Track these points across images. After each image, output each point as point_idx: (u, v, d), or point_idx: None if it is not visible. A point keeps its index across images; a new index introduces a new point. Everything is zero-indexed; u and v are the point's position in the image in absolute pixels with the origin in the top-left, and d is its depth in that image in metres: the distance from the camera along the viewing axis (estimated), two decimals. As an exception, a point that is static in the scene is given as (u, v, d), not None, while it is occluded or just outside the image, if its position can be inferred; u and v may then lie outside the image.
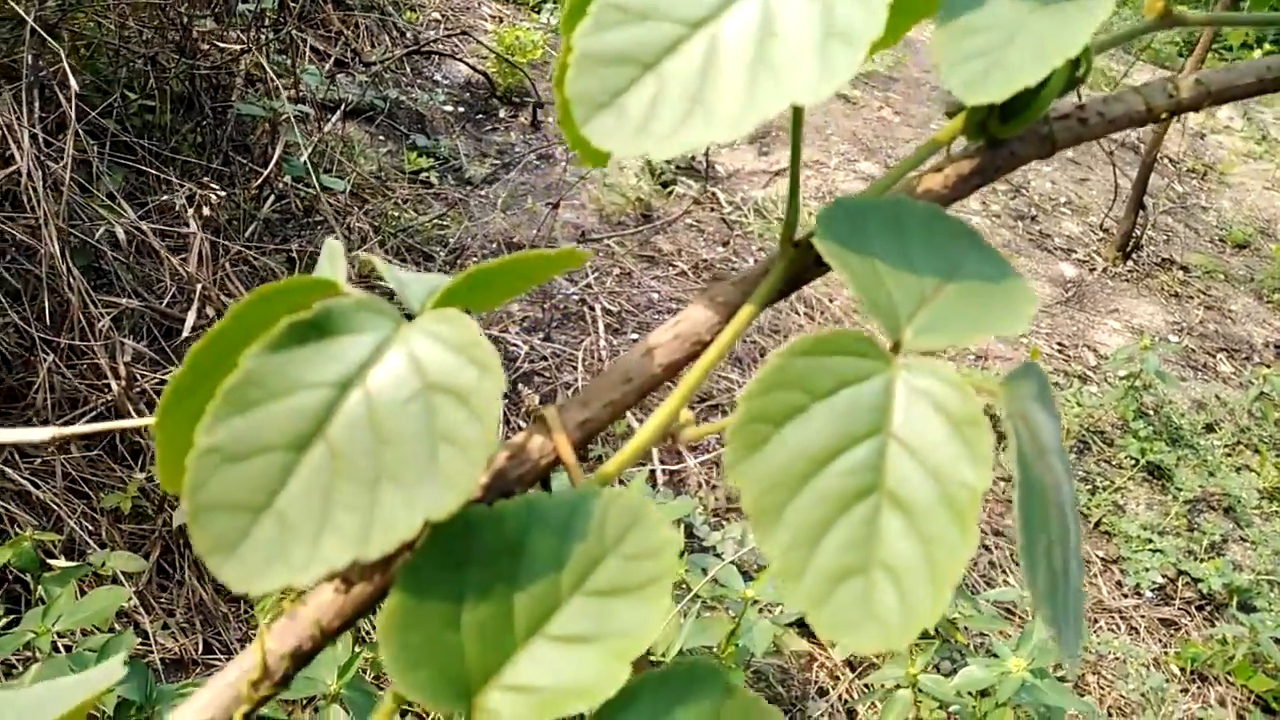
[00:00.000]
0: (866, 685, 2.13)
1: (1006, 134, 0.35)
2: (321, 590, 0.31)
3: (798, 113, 0.31)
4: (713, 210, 3.80)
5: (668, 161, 3.91)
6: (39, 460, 1.94)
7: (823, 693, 2.17)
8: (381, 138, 3.82)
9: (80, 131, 1.99)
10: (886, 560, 0.27)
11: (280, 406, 0.27)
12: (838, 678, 2.19)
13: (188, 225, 2.10)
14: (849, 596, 0.27)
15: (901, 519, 0.27)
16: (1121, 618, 2.54)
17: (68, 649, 1.54)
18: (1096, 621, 2.51)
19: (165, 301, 1.99)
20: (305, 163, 2.61)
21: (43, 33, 1.98)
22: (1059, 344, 3.64)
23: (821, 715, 2.06)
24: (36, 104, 2.01)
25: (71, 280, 1.87)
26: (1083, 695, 2.22)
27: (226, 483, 0.26)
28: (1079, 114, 0.37)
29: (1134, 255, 4.22)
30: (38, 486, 1.89)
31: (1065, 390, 3.23)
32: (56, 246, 1.82)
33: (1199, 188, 5.09)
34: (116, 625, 1.69)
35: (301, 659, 0.31)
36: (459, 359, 0.27)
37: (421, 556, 0.28)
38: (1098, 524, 2.83)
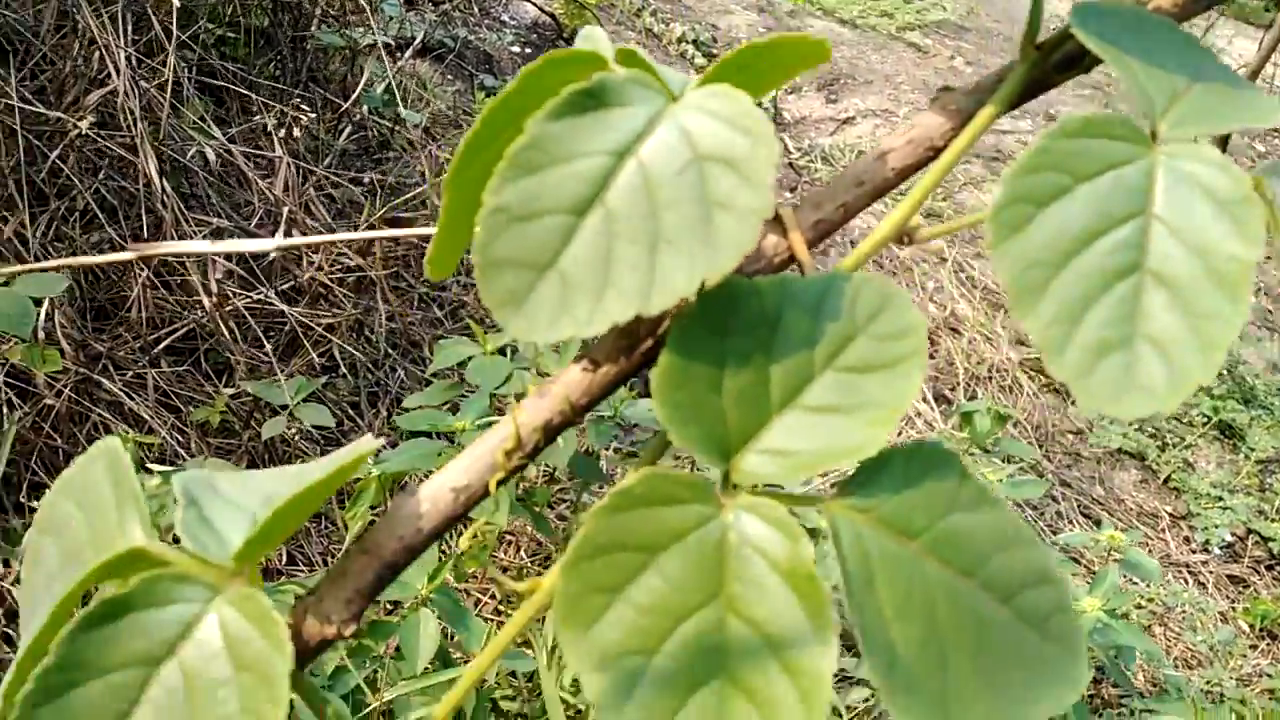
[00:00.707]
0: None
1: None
2: (571, 369, 0.32)
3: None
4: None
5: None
6: (131, 374, 2.00)
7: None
8: (450, 77, 3.82)
9: (169, 56, 2.02)
10: (1150, 333, 0.27)
11: (562, 171, 0.28)
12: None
13: (273, 149, 2.13)
14: (1112, 368, 0.27)
15: (1165, 294, 0.27)
16: (1190, 572, 2.52)
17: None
18: (1164, 575, 2.49)
19: (253, 223, 2.03)
20: (384, 93, 2.63)
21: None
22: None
23: None
24: (129, 26, 2.04)
25: (165, 199, 1.91)
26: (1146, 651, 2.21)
27: (513, 241, 0.28)
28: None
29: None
30: (131, 398, 1.95)
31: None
32: (154, 165, 1.86)
33: (1282, 146, 4.93)
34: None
35: (551, 432, 0.32)
36: (731, 129, 0.28)
37: (689, 322, 0.29)
38: (1167, 480, 2.80)
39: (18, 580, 1.64)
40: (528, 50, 4.18)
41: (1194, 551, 2.62)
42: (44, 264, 0.46)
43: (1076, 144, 0.28)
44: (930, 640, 0.28)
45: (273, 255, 1.96)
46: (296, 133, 1.98)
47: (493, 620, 1.64)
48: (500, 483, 0.32)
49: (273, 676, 0.28)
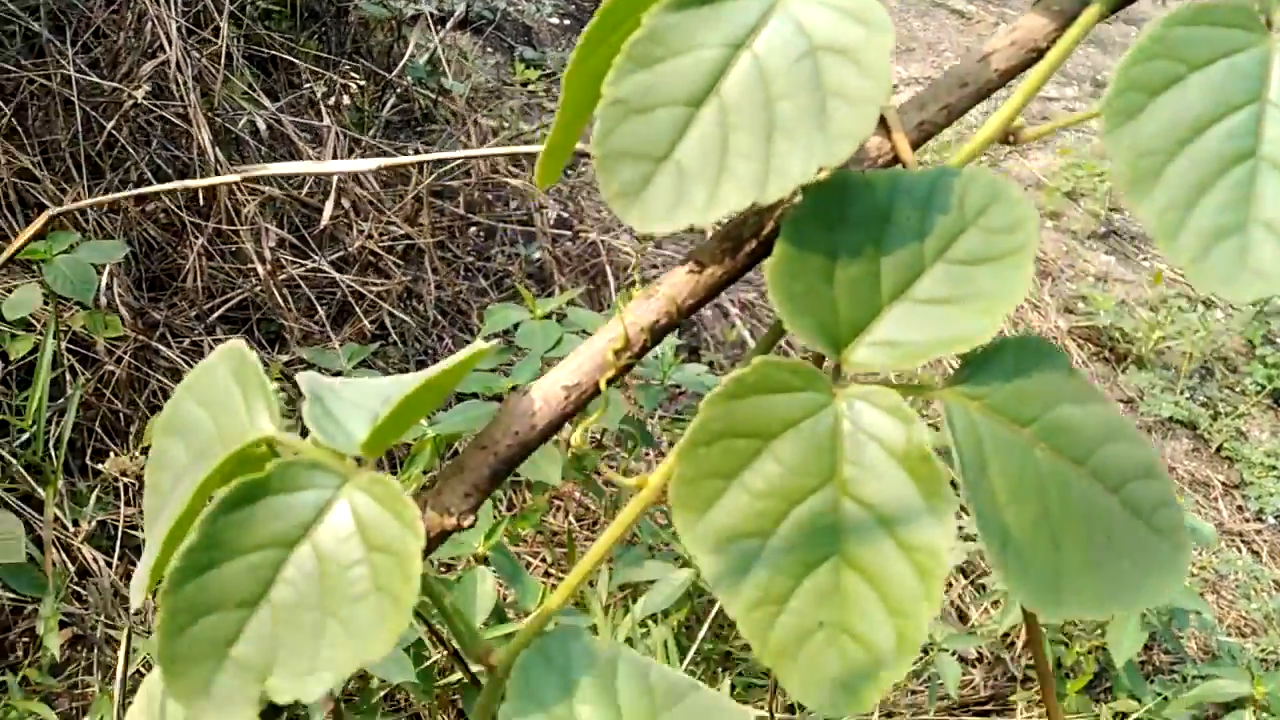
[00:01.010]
0: (981, 585, 2.14)
1: None
2: (676, 272, 0.33)
3: None
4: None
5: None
6: (188, 341, 2.04)
7: (933, 596, 2.19)
8: (489, 49, 3.82)
9: (222, 25, 2.05)
10: (1265, 218, 0.27)
11: (678, 64, 0.29)
12: (950, 584, 2.20)
13: (321, 119, 2.16)
14: (1227, 252, 0.27)
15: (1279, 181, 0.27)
16: (1242, 540, 2.49)
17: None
18: (1217, 543, 2.46)
19: (304, 191, 2.06)
20: (426, 64, 2.64)
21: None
22: (1176, 270, 3.51)
23: (934, 619, 2.07)
24: (180, -2, 2.07)
25: (219, 168, 1.94)
26: (1200, 614, 2.19)
27: (631, 133, 0.28)
28: None
29: (1266, 178, 4.02)
30: (188, 365, 1.99)
31: (1189, 314, 3.12)
32: (207, 134, 1.89)
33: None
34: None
35: (658, 333, 0.33)
36: (845, 18, 0.28)
37: (803, 214, 0.30)
38: (1219, 449, 2.76)
39: (88, 538, 1.69)
40: (566, 21, 4.17)
41: (1247, 520, 2.58)
42: (149, 189, 0.46)
43: (1190, 31, 0.28)
44: (1042, 523, 0.29)
45: (324, 223, 1.99)
46: (346, 101, 2.00)
47: (545, 581, 1.67)
48: (609, 382, 0.33)
49: (405, 556, 0.29)
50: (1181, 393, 2.84)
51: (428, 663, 1.39)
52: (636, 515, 0.33)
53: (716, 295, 0.33)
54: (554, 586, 1.61)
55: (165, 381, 1.95)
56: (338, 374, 1.90)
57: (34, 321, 1.87)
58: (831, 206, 0.30)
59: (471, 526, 0.33)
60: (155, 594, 0.30)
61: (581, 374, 0.33)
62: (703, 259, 0.33)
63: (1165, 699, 1.86)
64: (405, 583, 0.29)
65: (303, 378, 0.34)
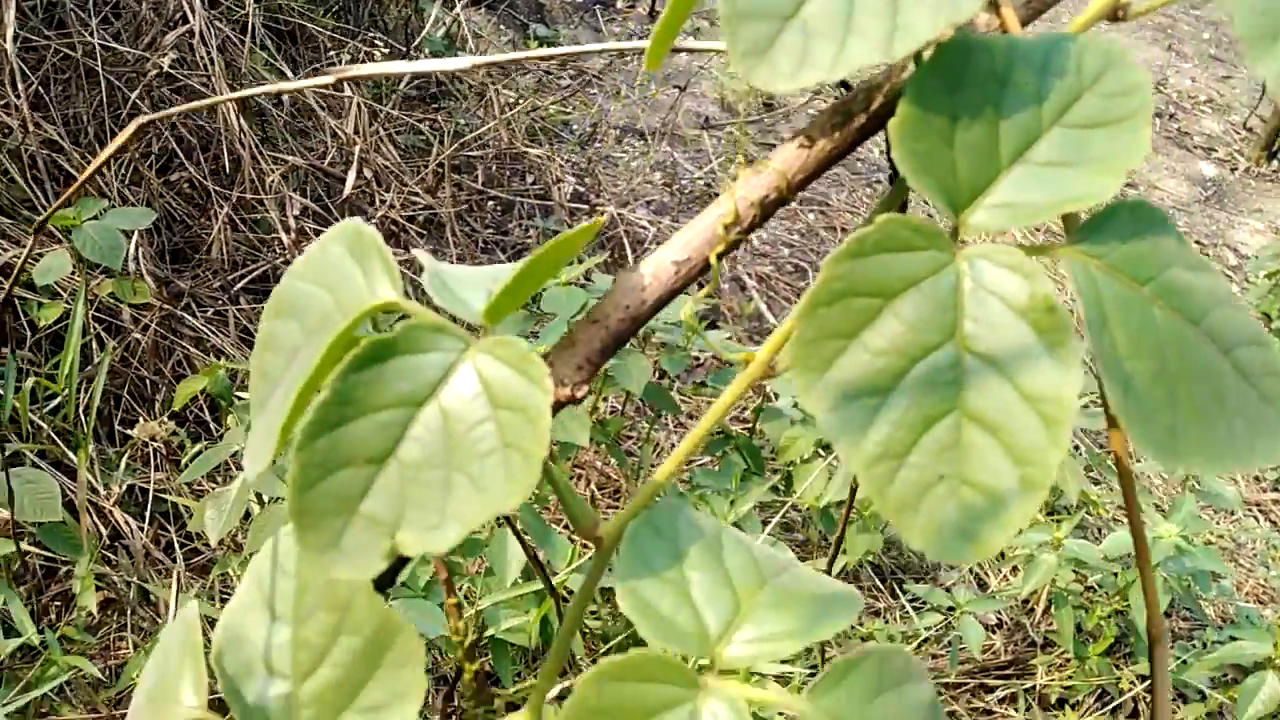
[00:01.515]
0: (1001, 554, 2.15)
1: None
2: (786, 147, 0.34)
3: None
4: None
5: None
6: (212, 310, 2.05)
7: (954, 564, 2.20)
8: (502, 26, 3.82)
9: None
10: None
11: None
12: (968, 551, 2.20)
13: (343, 89, 2.16)
14: None
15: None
16: (1260, 510, 2.49)
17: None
18: (1233, 514, 2.46)
19: (327, 161, 2.06)
20: (443, 38, 2.64)
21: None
22: (1197, 242, 3.50)
23: (954, 585, 2.09)
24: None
25: (243, 138, 1.94)
26: (1220, 578, 2.19)
27: (757, -8, 0.29)
28: None
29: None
30: (213, 334, 2.00)
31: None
32: (231, 103, 1.89)
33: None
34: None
35: (768, 208, 0.33)
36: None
37: (926, 75, 0.30)
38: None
39: (119, 502, 1.70)
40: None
41: (1264, 491, 2.59)
42: (244, 92, 0.46)
43: None
44: (1160, 378, 0.29)
45: (347, 193, 1.99)
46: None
47: (572, 544, 1.68)
48: (719, 256, 0.33)
49: (534, 411, 0.29)
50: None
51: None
52: (744, 389, 0.33)
53: (826, 170, 0.33)
54: (583, 548, 1.62)
55: (191, 350, 1.96)
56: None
57: (60, 291, 1.88)
58: (952, 69, 0.30)
59: (585, 398, 0.33)
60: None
61: (691, 249, 0.33)
62: (813, 134, 0.33)
63: (1185, 663, 1.87)
64: (534, 438, 0.29)
65: (420, 254, 0.34)
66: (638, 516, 0.34)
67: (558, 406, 0.34)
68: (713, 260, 0.33)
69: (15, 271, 1.44)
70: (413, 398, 0.30)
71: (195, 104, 0.61)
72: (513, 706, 0.34)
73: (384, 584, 0.37)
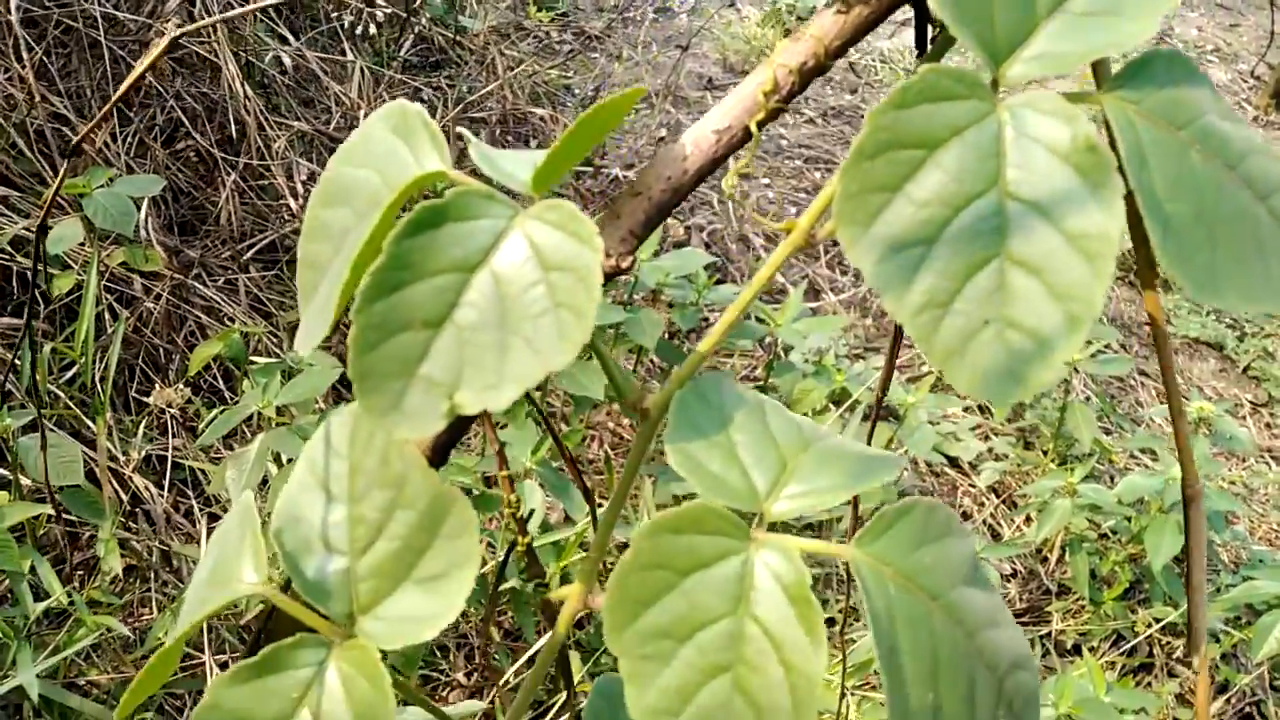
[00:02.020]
0: (1013, 502, 2.16)
1: None
2: (823, 15, 0.34)
3: None
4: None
5: (789, 10, 3.81)
6: (223, 279, 2.06)
7: (966, 516, 2.21)
8: (503, -10, 3.79)
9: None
10: None
11: None
12: (982, 503, 2.22)
13: (344, 55, 2.15)
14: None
15: None
16: (1272, 457, 2.50)
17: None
18: (1245, 461, 2.47)
19: (332, 126, 2.06)
20: (444, 3, 2.63)
21: None
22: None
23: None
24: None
25: (248, 104, 1.94)
26: (1232, 522, 2.21)
27: None
28: None
29: (1288, 103, 3.98)
30: (225, 303, 2.01)
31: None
32: (234, 69, 1.89)
33: (1361, 35, 4.73)
34: (323, 405, 1.81)
35: (806, 75, 0.34)
36: None
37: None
38: (1246, 369, 2.76)
39: (138, 469, 1.71)
40: (577, -35, 4.13)
41: (1275, 437, 2.59)
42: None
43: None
44: (1200, 220, 0.30)
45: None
46: (372, 30, 2.00)
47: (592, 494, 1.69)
48: (760, 124, 0.34)
49: (584, 270, 0.30)
50: (1208, 314, 2.83)
51: (484, 568, 1.42)
52: (788, 255, 0.34)
53: (864, 36, 0.34)
54: (602, 499, 1.64)
55: (203, 318, 1.97)
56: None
57: (70, 262, 1.89)
58: (989, -78, 0.30)
59: (630, 268, 0.34)
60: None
61: (731, 117, 0.34)
62: (849, 0, 0.34)
63: (1200, 606, 1.88)
64: (585, 296, 0.30)
65: (465, 132, 0.35)
66: (684, 386, 0.35)
67: (606, 278, 0.34)
68: (753, 128, 0.34)
69: (36, 239, 1.44)
70: (466, 263, 0.31)
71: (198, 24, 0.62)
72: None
73: (438, 461, 0.37)
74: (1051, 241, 0.29)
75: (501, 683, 1.17)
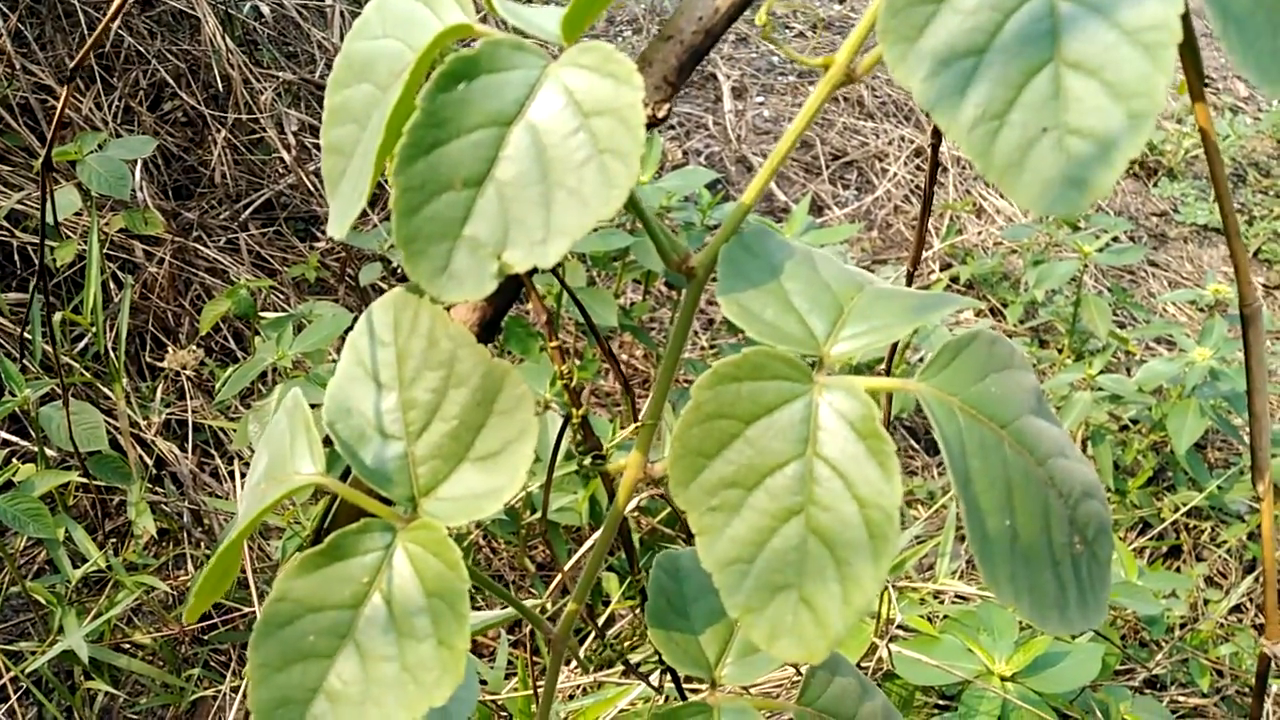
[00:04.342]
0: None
1: None
2: None
3: None
4: None
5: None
6: (224, 239, 2.04)
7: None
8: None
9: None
10: None
11: None
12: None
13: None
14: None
15: None
16: (1287, 337, 2.49)
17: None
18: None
19: (317, 74, 2.02)
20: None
21: None
22: (1208, 78, 3.44)
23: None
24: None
25: (231, 58, 1.91)
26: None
27: None
28: None
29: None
30: (228, 263, 2.00)
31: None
32: (213, 22, 1.85)
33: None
34: (335, 355, 1.81)
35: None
36: None
37: None
38: (1257, 252, 2.74)
39: (159, 432, 1.72)
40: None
41: (1289, 318, 2.58)
42: None
43: None
44: (1260, 4, 0.29)
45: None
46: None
47: (614, 422, 1.70)
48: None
49: (625, 110, 0.29)
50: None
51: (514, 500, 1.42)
52: (829, 93, 0.33)
53: None
54: (623, 426, 1.64)
55: (209, 279, 1.96)
56: (380, 258, 1.91)
57: (69, 233, 1.87)
58: None
59: (666, 119, 0.33)
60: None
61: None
62: None
63: (1221, 488, 1.89)
64: (629, 137, 0.29)
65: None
66: (729, 241, 0.34)
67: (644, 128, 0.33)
68: (783, -39, 0.33)
69: (42, 213, 1.42)
70: (501, 116, 0.30)
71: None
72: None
73: (485, 337, 0.37)
74: (1107, 38, 0.28)
75: (550, 590, 1.19)
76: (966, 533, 0.31)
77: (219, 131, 1.93)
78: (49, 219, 1.60)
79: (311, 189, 1.99)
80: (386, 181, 0.31)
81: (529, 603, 0.98)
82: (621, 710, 0.99)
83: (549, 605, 1.05)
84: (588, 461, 0.38)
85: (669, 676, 0.47)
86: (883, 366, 1.29)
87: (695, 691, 0.37)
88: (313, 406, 0.38)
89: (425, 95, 0.30)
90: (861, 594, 0.30)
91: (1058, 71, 0.29)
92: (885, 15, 0.29)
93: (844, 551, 0.31)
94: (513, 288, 0.34)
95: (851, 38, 0.32)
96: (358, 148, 0.34)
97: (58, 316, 1.66)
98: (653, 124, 0.33)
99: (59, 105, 0.74)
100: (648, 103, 0.33)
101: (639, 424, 0.33)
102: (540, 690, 0.40)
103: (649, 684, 0.62)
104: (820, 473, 0.31)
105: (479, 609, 0.47)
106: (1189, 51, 0.35)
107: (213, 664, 1.57)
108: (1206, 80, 3.46)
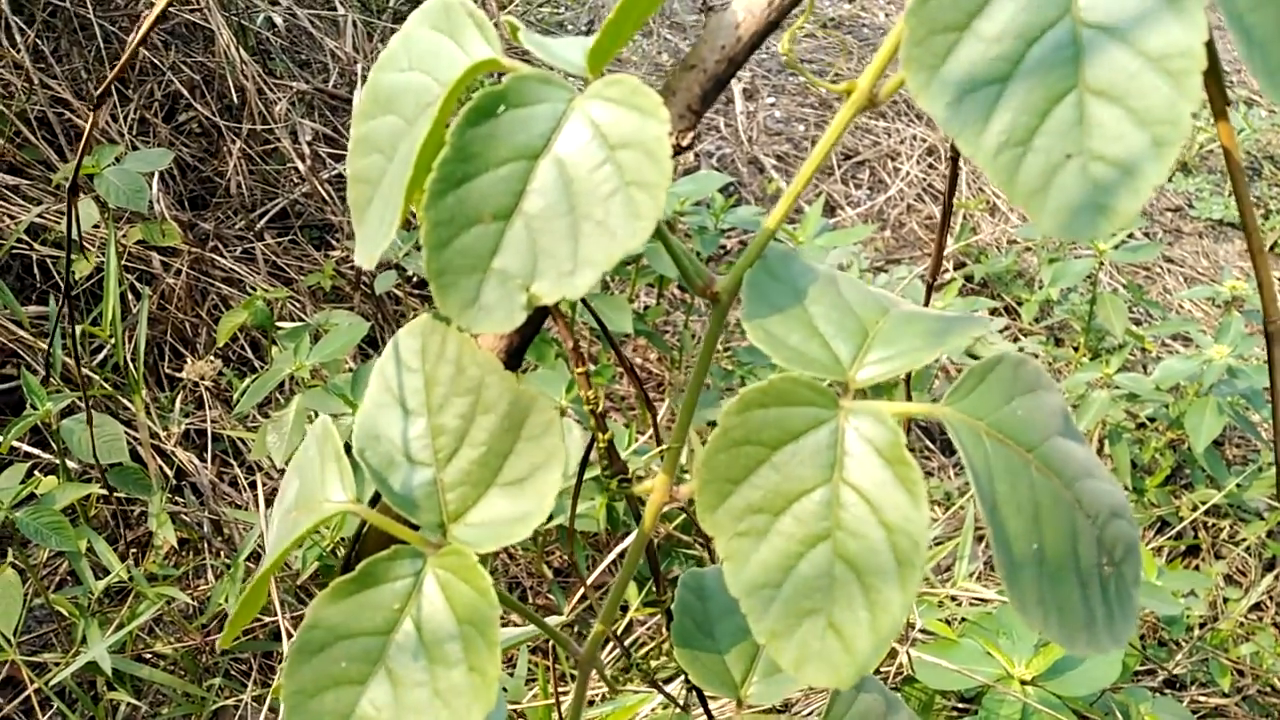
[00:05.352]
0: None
1: None
2: None
3: None
4: None
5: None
6: (240, 249, 2.05)
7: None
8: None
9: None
10: None
11: None
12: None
13: (336, 9, 2.12)
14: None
15: None
16: (1305, 332, 2.47)
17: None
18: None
19: (330, 83, 2.04)
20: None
21: None
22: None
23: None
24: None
25: (245, 69, 1.92)
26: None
27: None
28: None
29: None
30: (245, 273, 2.01)
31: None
32: (227, 34, 1.87)
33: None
34: (352, 364, 1.82)
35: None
36: None
37: None
38: (1272, 247, 2.72)
39: (179, 443, 1.73)
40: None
41: (1308, 313, 2.56)
42: None
43: None
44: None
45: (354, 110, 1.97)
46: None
47: (630, 428, 1.70)
48: (811, -18, 0.33)
49: (651, 143, 0.29)
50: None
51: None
52: (851, 118, 0.33)
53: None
54: (639, 434, 1.64)
55: (225, 289, 1.97)
56: (394, 266, 1.91)
57: (87, 245, 1.89)
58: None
59: (691, 147, 0.33)
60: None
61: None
62: None
63: (1240, 486, 1.88)
64: (655, 170, 0.29)
65: (513, 20, 0.34)
66: (752, 266, 0.35)
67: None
68: (805, -11, 0.33)
69: (68, 227, 1.44)
70: (528, 150, 0.31)
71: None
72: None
73: (512, 364, 0.37)
74: (1131, 65, 0.28)
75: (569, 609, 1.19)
76: (994, 556, 0.31)
77: (234, 142, 1.94)
78: (73, 235, 1.62)
79: (326, 197, 2.00)
80: (414, 215, 0.31)
81: (552, 620, 0.99)
82: (643, 718, 1.00)
83: (569, 613, 1.06)
84: (614, 485, 0.39)
85: (694, 694, 0.47)
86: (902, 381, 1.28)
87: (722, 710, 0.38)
88: (332, 417, 0.39)
89: (454, 130, 0.30)
90: (889, 620, 0.30)
91: (1081, 98, 0.29)
92: (908, 43, 0.29)
93: (871, 578, 0.31)
94: (539, 316, 0.34)
95: (874, 63, 0.32)
96: (384, 178, 0.35)
97: (78, 330, 1.67)
98: (678, 152, 0.33)
99: (86, 129, 0.75)
100: (672, 132, 0.33)
101: (663, 448, 0.34)
102: (563, 701, 0.41)
103: (670, 698, 0.62)
104: (847, 498, 0.31)
105: (503, 625, 0.48)
106: (1213, 76, 0.35)
107: (233, 673, 1.59)
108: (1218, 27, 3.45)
